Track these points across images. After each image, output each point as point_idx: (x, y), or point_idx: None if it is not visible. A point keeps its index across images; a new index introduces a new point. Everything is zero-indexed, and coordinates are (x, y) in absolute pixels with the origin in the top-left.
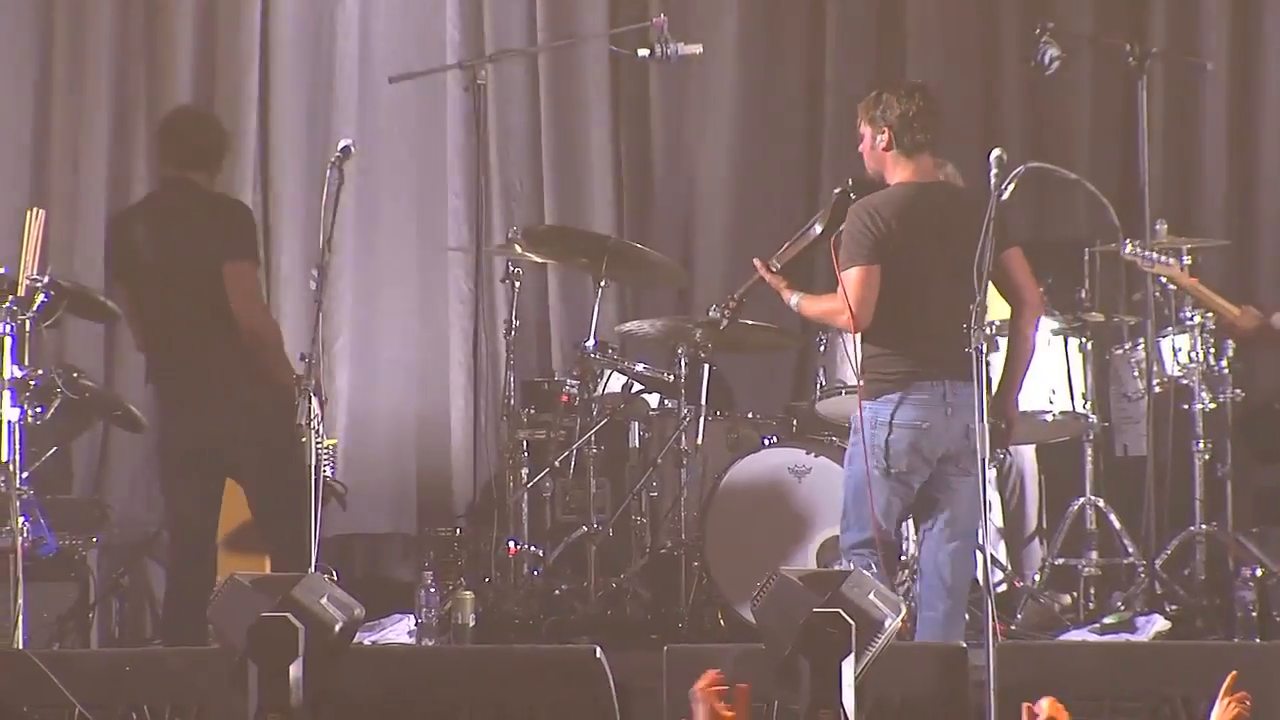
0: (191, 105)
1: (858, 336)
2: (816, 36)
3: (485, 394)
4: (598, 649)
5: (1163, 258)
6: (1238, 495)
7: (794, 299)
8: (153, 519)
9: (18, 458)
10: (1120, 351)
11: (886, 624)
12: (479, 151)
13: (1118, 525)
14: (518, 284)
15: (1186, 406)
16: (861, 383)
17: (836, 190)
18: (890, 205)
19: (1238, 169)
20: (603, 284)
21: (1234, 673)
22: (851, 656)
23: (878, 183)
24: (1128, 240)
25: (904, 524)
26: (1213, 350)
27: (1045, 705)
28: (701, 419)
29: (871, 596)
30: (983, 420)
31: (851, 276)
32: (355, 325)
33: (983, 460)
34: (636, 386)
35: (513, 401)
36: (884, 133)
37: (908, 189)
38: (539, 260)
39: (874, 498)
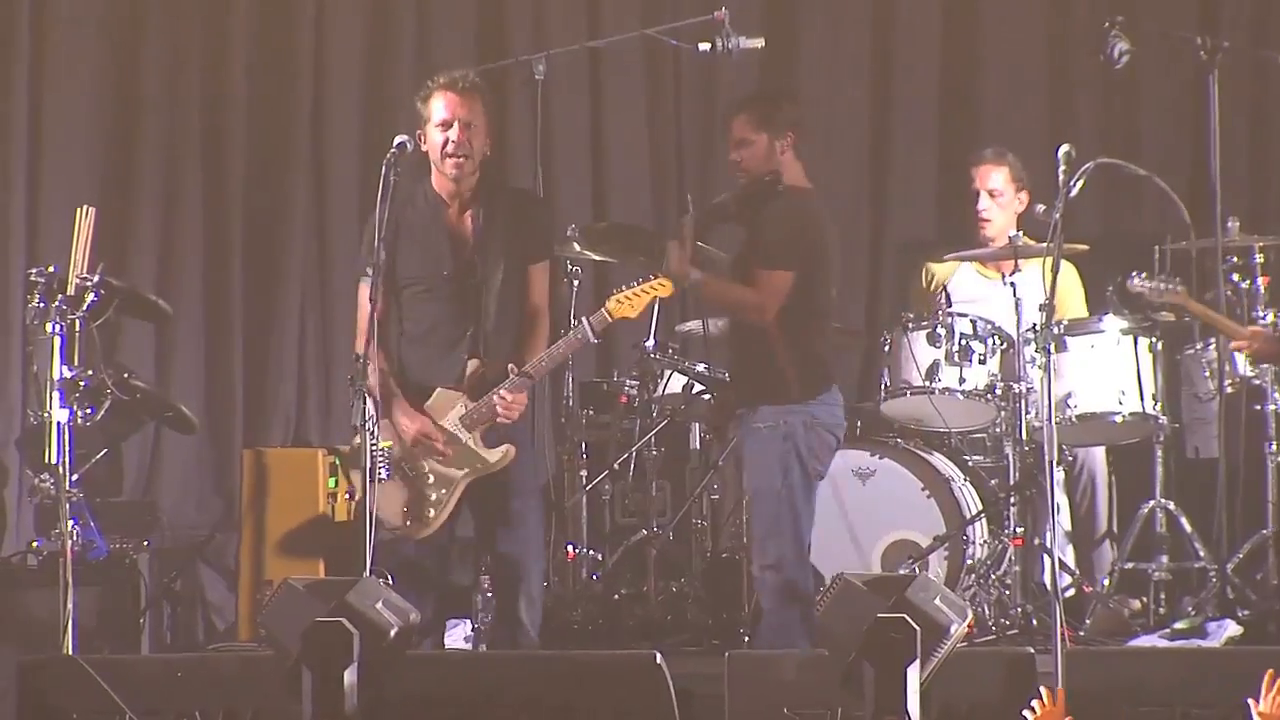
0: None
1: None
2: (882, 30)
3: (543, 396)
4: (658, 655)
5: (1170, 286)
6: None
7: (695, 275)
8: (205, 522)
9: (67, 460)
10: (1191, 351)
11: (952, 629)
12: (537, 148)
13: (1189, 529)
14: (576, 283)
15: (1259, 407)
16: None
17: (766, 178)
18: (820, 211)
19: None
20: None
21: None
22: (917, 662)
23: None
24: (1134, 274)
25: (971, 527)
26: None
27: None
28: None
29: (937, 601)
30: (1050, 421)
31: (783, 280)
32: None
33: (1050, 462)
34: (697, 387)
35: (571, 403)
36: (788, 137)
37: (813, 195)
38: (598, 259)
39: (805, 509)
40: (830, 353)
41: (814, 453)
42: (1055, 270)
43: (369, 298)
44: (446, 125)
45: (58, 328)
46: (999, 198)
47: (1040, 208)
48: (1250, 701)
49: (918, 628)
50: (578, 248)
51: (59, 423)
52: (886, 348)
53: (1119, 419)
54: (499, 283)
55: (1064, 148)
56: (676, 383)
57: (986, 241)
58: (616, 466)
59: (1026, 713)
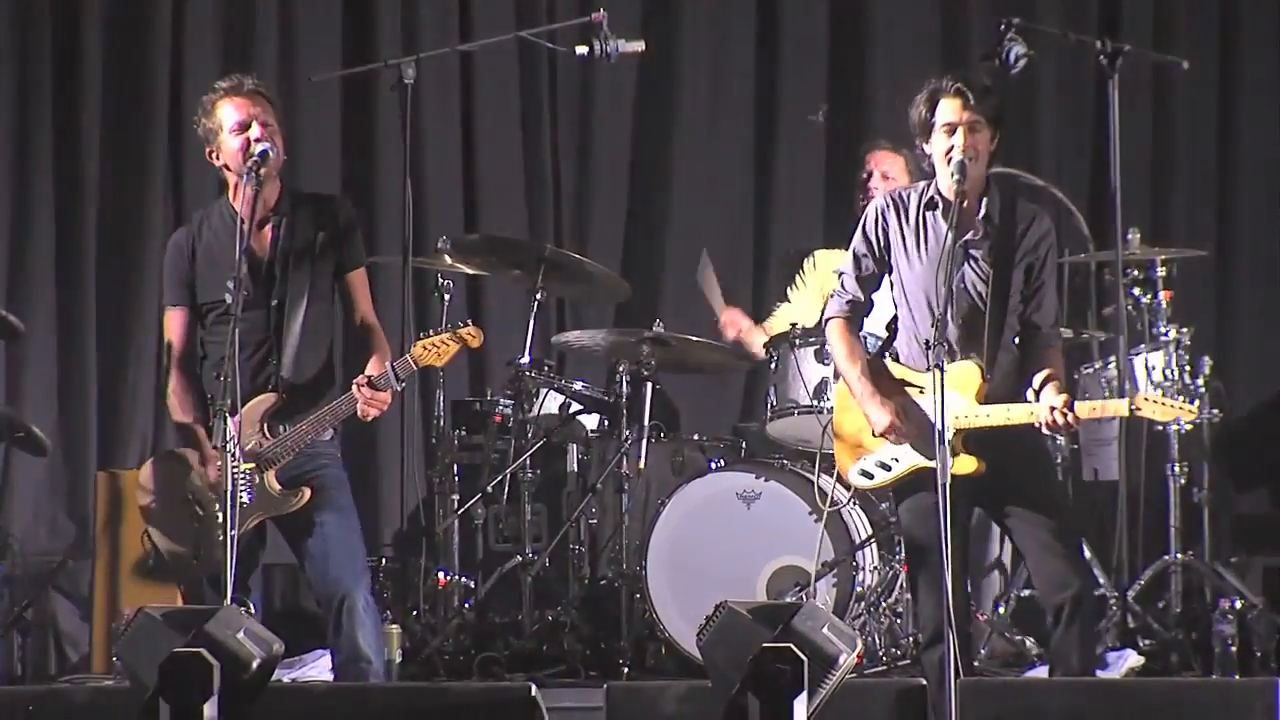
0: None
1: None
2: (768, 35)
3: (413, 415)
4: (533, 687)
5: None
6: (1215, 522)
7: None
8: (57, 548)
9: None
10: (1090, 370)
11: (841, 659)
12: (406, 156)
13: (1088, 554)
14: (447, 297)
15: (1161, 428)
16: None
17: None
18: None
19: (1215, 174)
20: (538, 297)
21: None
22: (804, 694)
23: None
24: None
25: (860, 551)
26: (1188, 368)
27: None
28: (644, 441)
29: (825, 630)
30: (944, 444)
31: None
32: None
33: (942, 486)
34: (575, 406)
35: (442, 423)
36: None
37: None
38: (470, 272)
39: None
40: None
41: None
42: (949, 285)
43: (231, 312)
44: (244, 126)
45: None
46: (891, 181)
47: None
48: None
49: (805, 658)
50: (449, 260)
51: None
52: (773, 365)
53: None
54: (305, 301)
55: (957, 157)
56: (553, 402)
57: None
58: (490, 489)
59: None
